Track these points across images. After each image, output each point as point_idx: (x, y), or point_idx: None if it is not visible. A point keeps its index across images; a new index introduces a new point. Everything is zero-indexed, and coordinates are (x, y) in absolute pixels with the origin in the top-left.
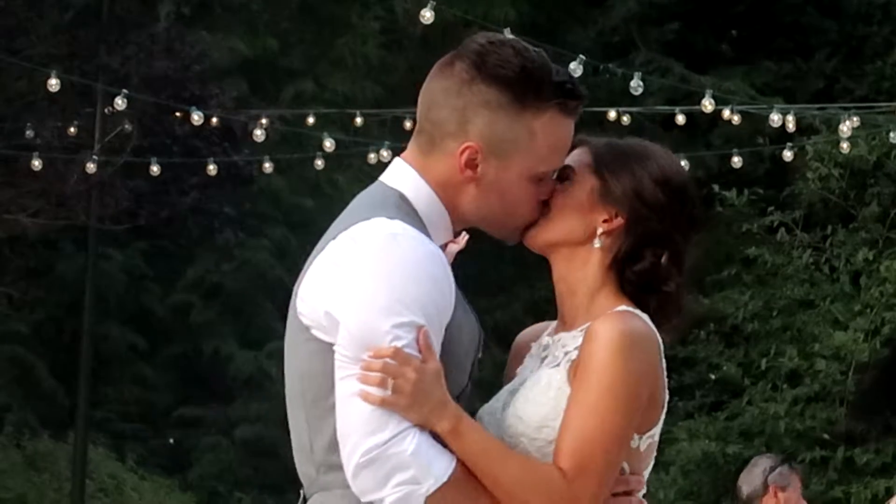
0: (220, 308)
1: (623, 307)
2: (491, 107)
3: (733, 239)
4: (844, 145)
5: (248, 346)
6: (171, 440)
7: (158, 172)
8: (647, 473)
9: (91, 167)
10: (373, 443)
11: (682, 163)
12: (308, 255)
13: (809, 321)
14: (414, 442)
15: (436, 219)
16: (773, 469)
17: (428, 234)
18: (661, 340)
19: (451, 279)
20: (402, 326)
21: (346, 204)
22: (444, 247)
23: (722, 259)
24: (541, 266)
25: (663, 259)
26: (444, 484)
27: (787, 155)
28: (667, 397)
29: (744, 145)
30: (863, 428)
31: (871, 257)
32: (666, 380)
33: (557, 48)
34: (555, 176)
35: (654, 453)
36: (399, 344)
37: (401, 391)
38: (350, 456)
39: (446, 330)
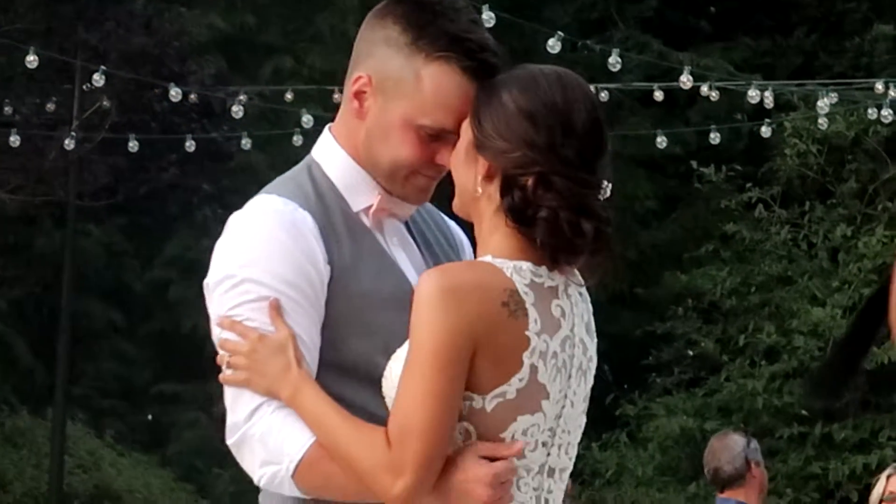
0: (199, 284)
1: (484, 257)
2: (389, 43)
3: (711, 215)
4: (822, 122)
5: None
6: (150, 416)
7: (137, 149)
8: (514, 437)
9: (70, 143)
10: (231, 422)
11: (660, 140)
12: None
13: (787, 297)
14: (264, 421)
15: (352, 180)
16: (748, 444)
17: (344, 199)
18: (519, 288)
19: (316, 244)
20: (242, 303)
21: None
22: (382, 209)
23: (700, 235)
24: None
25: (528, 184)
26: (302, 462)
27: (766, 131)
28: (532, 356)
29: (722, 122)
30: (819, 406)
31: (848, 233)
32: (530, 334)
33: (536, 24)
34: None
35: (518, 416)
36: (238, 318)
37: (237, 365)
38: (227, 438)
39: (336, 296)
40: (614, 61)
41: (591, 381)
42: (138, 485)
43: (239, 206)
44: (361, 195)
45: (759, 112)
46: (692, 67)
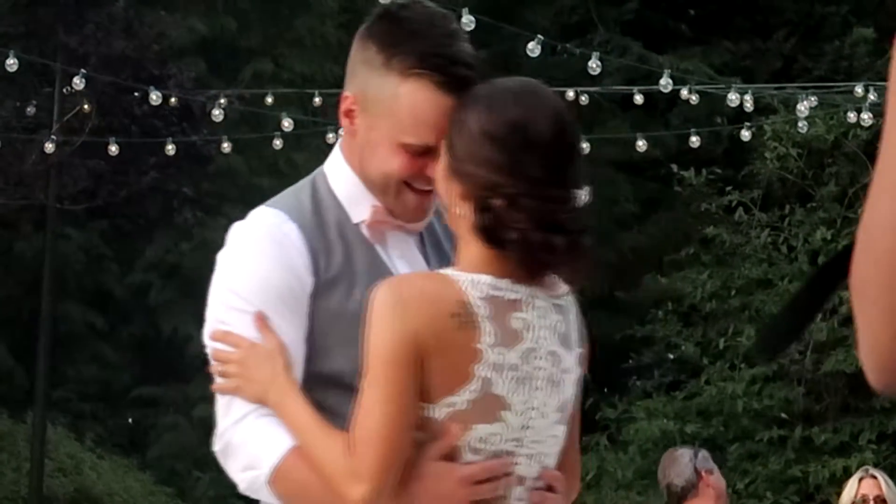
0: (179, 288)
1: (445, 270)
2: (367, 64)
3: (691, 218)
4: (802, 125)
5: None
6: (130, 420)
7: (117, 152)
8: (470, 445)
9: (49, 147)
10: (220, 429)
11: (640, 143)
12: None
13: (767, 300)
14: (249, 428)
15: (353, 192)
16: (695, 455)
17: (345, 211)
18: (471, 300)
19: (298, 256)
20: (231, 311)
21: None
22: (381, 222)
23: (680, 239)
24: None
25: (497, 206)
26: (279, 468)
27: (745, 135)
28: (484, 368)
29: (702, 125)
30: (768, 354)
31: (829, 237)
32: (482, 346)
33: (516, 28)
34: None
35: (473, 426)
36: (229, 328)
37: (228, 373)
38: (215, 445)
39: (320, 307)
40: (594, 65)
41: (568, 392)
42: (118, 488)
43: (219, 209)
44: (361, 208)
45: (739, 115)
46: (672, 71)
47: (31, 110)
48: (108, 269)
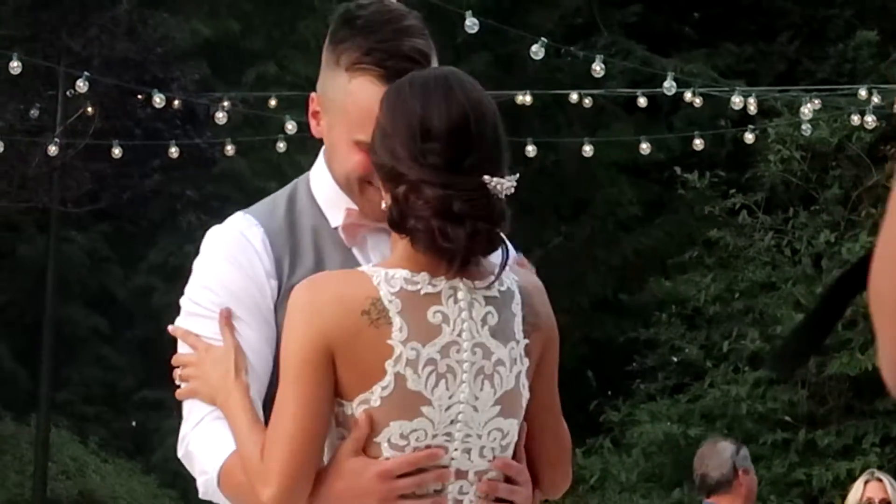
0: (183, 291)
1: (363, 267)
2: (325, 64)
3: (695, 221)
4: (806, 128)
5: None
6: (134, 423)
7: (120, 155)
8: (390, 441)
9: (53, 150)
10: (181, 434)
11: (644, 146)
12: None
13: (771, 303)
14: (203, 432)
15: (331, 196)
16: (737, 452)
17: (324, 215)
18: (383, 296)
19: (259, 260)
20: (189, 317)
21: None
22: (357, 224)
23: (684, 241)
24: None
25: (401, 195)
26: (222, 471)
27: (749, 137)
28: (397, 364)
29: (706, 128)
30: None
31: (832, 240)
32: (393, 342)
33: (520, 30)
34: None
35: (391, 422)
36: (191, 329)
37: (186, 376)
38: (179, 450)
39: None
40: (598, 67)
41: (509, 385)
42: (122, 491)
43: (222, 212)
44: (338, 211)
45: (742, 118)
46: (676, 73)
47: (34, 113)
48: (111, 271)
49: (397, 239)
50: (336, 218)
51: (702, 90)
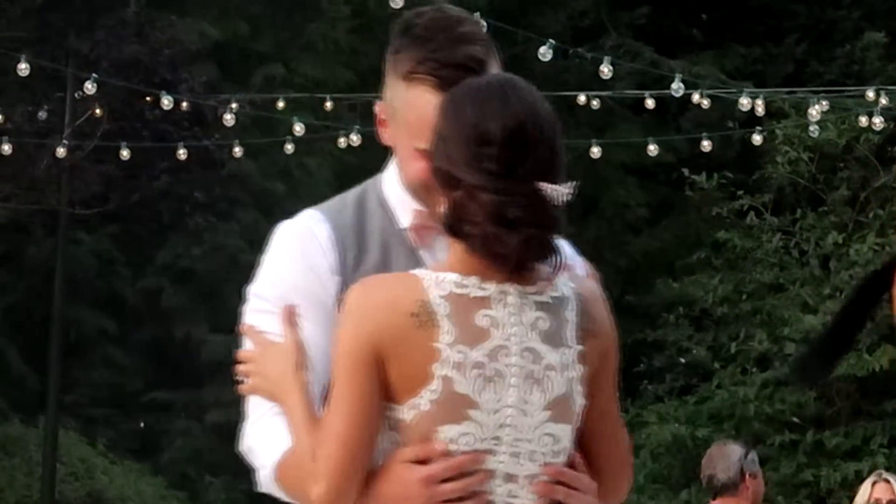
0: (191, 292)
1: (416, 270)
2: (387, 74)
3: (703, 223)
4: (814, 129)
5: (219, 330)
6: (142, 424)
7: (129, 157)
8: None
9: (61, 151)
10: (244, 429)
11: (652, 147)
12: None
13: (779, 305)
14: (262, 427)
15: (401, 198)
16: (745, 455)
17: (393, 215)
18: (431, 299)
19: (322, 255)
20: (252, 313)
21: (316, 187)
22: (425, 226)
23: (692, 243)
24: None
25: (458, 200)
26: (279, 465)
27: (757, 139)
28: (444, 367)
29: (714, 129)
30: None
31: (840, 241)
32: (440, 345)
33: (528, 32)
34: None
35: (439, 427)
36: (255, 324)
37: (248, 372)
38: (241, 445)
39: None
40: (606, 69)
41: (560, 390)
42: (130, 493)
43: (230, 213)
44: (407, 213)
45: (750, 119)
46: (684, 75)
47: (42, 115)
48: (119, 273)
49: (453, 243)
50: (405, 219)
51: (710, 92)
